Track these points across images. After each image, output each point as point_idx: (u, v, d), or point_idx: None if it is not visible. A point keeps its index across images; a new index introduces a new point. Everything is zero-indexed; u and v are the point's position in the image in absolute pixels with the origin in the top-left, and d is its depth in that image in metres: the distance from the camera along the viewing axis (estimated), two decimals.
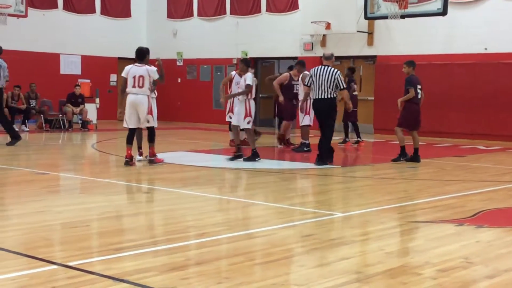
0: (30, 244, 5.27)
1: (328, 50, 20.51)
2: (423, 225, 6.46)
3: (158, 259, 4.90)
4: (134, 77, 10.34)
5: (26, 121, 18.42)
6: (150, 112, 10.49)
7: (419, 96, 11.57)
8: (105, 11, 23.89)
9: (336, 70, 11.06)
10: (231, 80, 14.25)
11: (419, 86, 11.58)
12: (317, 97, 11.04)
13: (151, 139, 10.65)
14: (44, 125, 18.60)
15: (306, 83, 11.44)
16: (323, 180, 9.96)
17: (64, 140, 16.64)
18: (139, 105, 10.41)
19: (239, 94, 11.56)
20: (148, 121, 10.54)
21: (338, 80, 10.90)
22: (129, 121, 10.52)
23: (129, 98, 10.43)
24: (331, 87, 10.89)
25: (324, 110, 11.03)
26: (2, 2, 18.62)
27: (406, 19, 16.98)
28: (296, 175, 10.69)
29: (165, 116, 22.07)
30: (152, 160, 10.71)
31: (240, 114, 11.48)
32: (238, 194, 8.57)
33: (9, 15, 19.09)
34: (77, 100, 19.26)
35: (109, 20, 24.01)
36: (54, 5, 22.51)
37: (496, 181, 9.88)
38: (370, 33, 19.60)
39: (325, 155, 11.15)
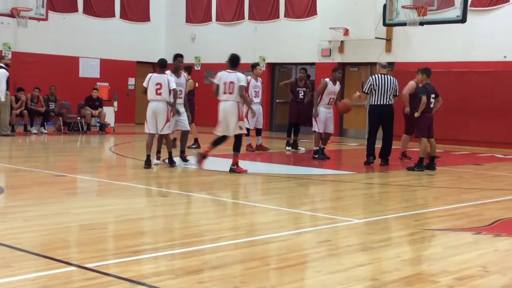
0: (49, 246, 5.32)
1: (346, 56, 20.57)
2: (440, 233, 6.43)
3: (174, 263, 4.93)
4: (225, 83, 10.32)
5: (45, 123, 18.57)
6: (240, 118, 10.39)
7: (431, 106, 11.56)
8: (124, 15, 24.06)
9: (394, 78, 12.32)
10: (247, 84, 14.35)
11: (432, 95, 11.54)
12: (381, 103, 12.03)
13: (236, 147, 10.54)
14: (62, 127, 18.75)
15: (365, 90, 12.28)
16: (340, 186, 9.95)
17: (82, 142, 16.76)
18: (229, 112, 10.36)
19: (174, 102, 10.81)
20: (240, 128, 10.41)
21: (397, 87, 12.17)
22: (222, 129, 10.51)
23: (220, 105, 10.45)
24: (392, 93, 12.06)
25: (388, 114, 12.08)
26: (23, 6, 18.81)
27: (424, 26, 16.91)
28: (312, 180, 10.69)
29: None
30: (233, 169, 10.52)
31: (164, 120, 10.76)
32: (254, 199, 8.58)
33: (30, 18, 19.27)
34: (94, 103, 19.41)
35: (129, 24, 24.17)
36: (74, 9, 22.71)
37: None
38: (389, 40, 19.55)
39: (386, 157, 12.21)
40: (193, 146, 14.33)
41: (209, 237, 5.94)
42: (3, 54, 18.51)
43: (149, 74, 10.89)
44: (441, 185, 10.16)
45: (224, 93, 10.29)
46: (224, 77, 10.31)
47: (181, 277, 4.51)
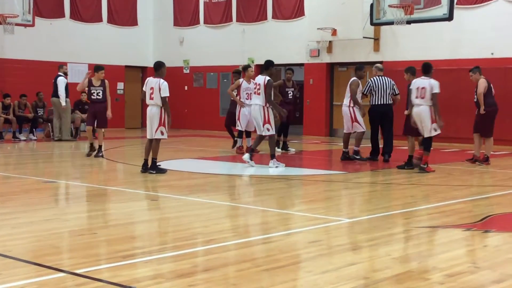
0: (38, 252, 5.30)
1: (334, 56, 20.62)
2: (430, 230, 6.45)
3: (165, 266, 4.91)
4: (417, 88, 11.03)
5: (34, 129, 18.49)
6: (433, 121, 10.95)
7: None
8: (112, 20, 24.00)
9: (390, 79, 12.82)
10: (239, 87, 14.33)
11: None
12: (380, 103, 12.56)
13: (427, 147, 11.15)
14: (51, 133, 18.66)
15: (364, 92, 12.83)
16: (330, 186, 9.96)
17: (72, 148, 16.68)
18: (423, 115, 10.99)
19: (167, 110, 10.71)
20: (435, 129, 11.05)
21: (395, 87, 12.72)
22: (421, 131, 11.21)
23: (414, 109, 11.14)
24: (390, 93, 12.61)
25: (388, 113, 12.58)
26: (9, 12, 18.72)
27: (412, 24, 16.95)
28: (303, 181, 10.70)
29: (172, 123, 22.03)
30: (423, 167, 11.08)
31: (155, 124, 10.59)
32: (245, 201, 8.58)
33: (17, 24, 19.17)
34: (84, 106, 19.33)
35: (116, 28, 24.11)
36: (61, 14, 22.63)
37: (504, 186, 9.85)
38: (376, 39, 19.60)
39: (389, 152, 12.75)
40: (99, 154, 13.15)
41: (200, 240, 5.93)
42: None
43: (147, 78, 10.84)
44: (431, 183, 10.19)
45: (417, 97, 11.03)
46: (418, 83, 11.13)
47: (172, 280, 4.50)
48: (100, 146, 13.22)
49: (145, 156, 10.67)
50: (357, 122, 12.68)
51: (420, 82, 11.15)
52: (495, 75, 17.03)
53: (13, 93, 18.56)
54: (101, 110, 13.12)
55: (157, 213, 7.54)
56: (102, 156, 13.10)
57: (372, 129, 13.12)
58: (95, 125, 13.48)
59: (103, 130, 13.60)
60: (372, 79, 12.83)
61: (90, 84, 13.12)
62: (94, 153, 13.18)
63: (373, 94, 12.68)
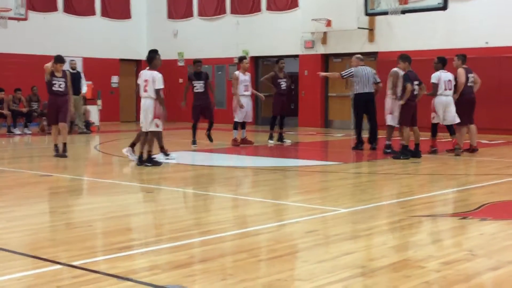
0: (35, 245, 5.29)
1: (329, 47, 20.60)
2: (426, 219, 6.46)
3: (162, 257, 4.91)
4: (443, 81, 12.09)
5: (29, 124, 18.44)
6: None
7: (415, 92, 11.65)
8: (105, 13, 23.91)
9: (370, 67, 13.44)
10: (237, 80, 14.38)
11: (416, 82, 11.65)
12: (364, 91, 12.96)
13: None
14: (46, 127, 18.59)
15: (343, 74, 13.62)
16: (326, 176, 9.96)
17: (67, 142, 16.63)
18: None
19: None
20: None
21: (376, 76, 13.21)
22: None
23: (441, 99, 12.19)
24: (372, 81, 13.05)
25: (372, 102, 13.00)
26: (2, 6, 18.62)
27: (406, 14, 16.94)
28: (299, 172, 10.70)
29: (168, 116, 22.01)
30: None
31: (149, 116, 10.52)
32: (241, 192, 8.58)
33: (10, 18, 19.10)
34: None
35: (110, 21, 24.03)
36: (54, 8, 22.53)
37: (500, 174, 9.87)
38: (371, 30, 19.58)
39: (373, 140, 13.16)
40: (65, 154, 11.92)
41: (196, 231, 5.93)
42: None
43: (141, 71, 10.81)
44: (426, 172, 10.21)
45: (445, 89, 12.08)
46: (444, 76, 12.09)
47: (169, 271, 4.50)
48: (64, 144, 11.95)
49: (141, 148, 10.65)
50: (392, 114, 12.05)
51: (446, 76, 12.08)
52: (489, 64, 17.07)
53: (7, 88, 18.49)
54: (64, 103, 11.95)
55: (153, 205, 7.53)
56: (66, 156, 11.81)
57: (357, 119, 13.53)
58: (58, 120, 11.98)
59: (66, 125, 12.11)
60: (354, 68, 13.23)
61: (51, 74, 11.97)
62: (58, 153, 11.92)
63: (357, 83, 13.10)
